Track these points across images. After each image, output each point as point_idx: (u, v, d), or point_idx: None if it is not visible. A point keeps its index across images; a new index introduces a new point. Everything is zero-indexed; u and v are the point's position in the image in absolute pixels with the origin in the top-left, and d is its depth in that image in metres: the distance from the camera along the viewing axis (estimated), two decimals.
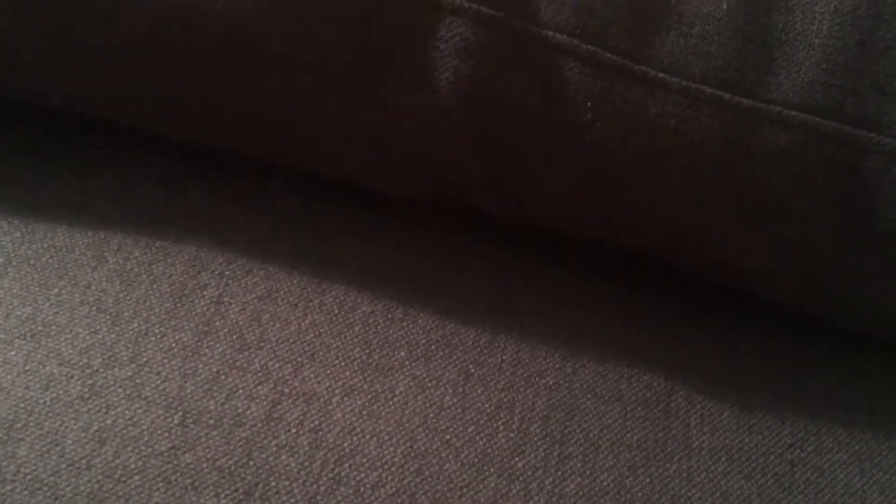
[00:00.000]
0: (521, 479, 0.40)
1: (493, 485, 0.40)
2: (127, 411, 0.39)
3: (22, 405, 0.39)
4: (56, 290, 0.42)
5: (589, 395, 0.43)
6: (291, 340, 0.42)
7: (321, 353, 0.42)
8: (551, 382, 0.43)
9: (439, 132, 0.42)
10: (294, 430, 0.40)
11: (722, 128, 0.41)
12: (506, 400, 0.42)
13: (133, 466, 0.37)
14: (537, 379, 0.43)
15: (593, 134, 0.41)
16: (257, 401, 0.40)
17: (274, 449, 0.39)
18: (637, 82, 0.41)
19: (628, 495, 0.40)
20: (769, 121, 0.41)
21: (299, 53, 0.41)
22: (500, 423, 0.41)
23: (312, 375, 0.41)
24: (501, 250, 0.48)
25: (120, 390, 0.39)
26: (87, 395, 0.39)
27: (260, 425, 0.39)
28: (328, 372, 0.42)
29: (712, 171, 0.41)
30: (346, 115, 0.42)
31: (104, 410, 0.39)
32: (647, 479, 0.41)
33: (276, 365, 0.41)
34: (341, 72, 0.41)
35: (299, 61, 0.41)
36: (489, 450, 0.41)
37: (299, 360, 0.42)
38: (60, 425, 0.38)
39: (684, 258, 0.46)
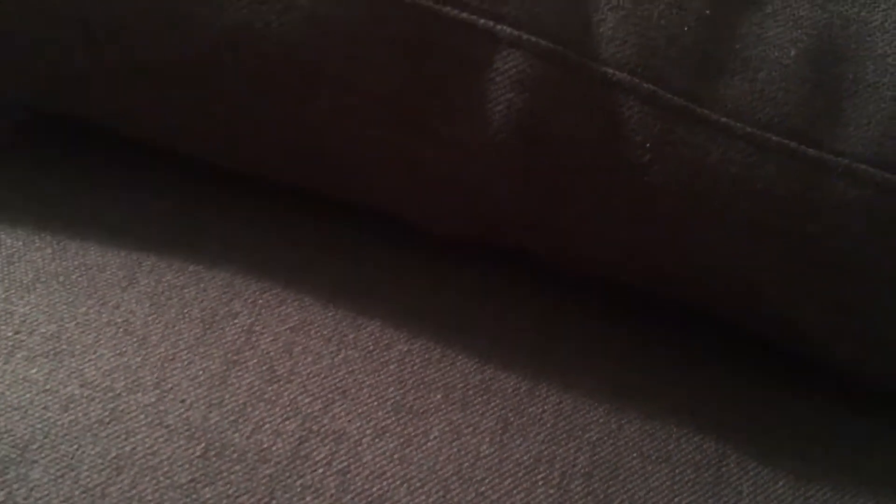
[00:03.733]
0: None
1: None
2: (147, 439, 0.37)
3: (39, 426, 0.37)
4: (84, 308, 0.41)
5: (635, 454, 0.40)
6: (323, 375, 0.40)
7: (353, 391, 0.40)
8: (595, 437, 0.41)
9: (490, 167, 0.41)
10: (321, 471, 0.37)
11: (787, 178, 0.39)
12: (546, 453, 0.40)
13: (150, 498, 0.35)
14: (580, 433, 0.41)
15: (651, 177, 0.39)
16: (284, 437, 0.38)
17: (299, 489, 0.36)
18: (699, 125, 0.39)
19: None
20: (837, 174, 0.39)
21: (351, 77, 0.40)
22: (539, 476, 0.39)
23: (343, 413, 0.39)
24: (544, 296, 0.46)
25: (142, 416, 0.37)
26: (107, 420, 0.37)
27: (285, 463, 0.37)
28: (360, 411, 0.39)
29: (775, 224, 0.39)
30: (394, 144, 0.41)
31: (124, 437, 0.37)
32: None
33: (306, 400, 0.39)
34: (392, 98, 0.40)
35: (351, 85, 0.40)
36: None
37: (330, 396, 0.40)
38: (77, 449, 0.36)
39: (740, 315, 0.44)
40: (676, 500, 0.39)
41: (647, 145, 0.39)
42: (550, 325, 0.45)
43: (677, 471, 0.40)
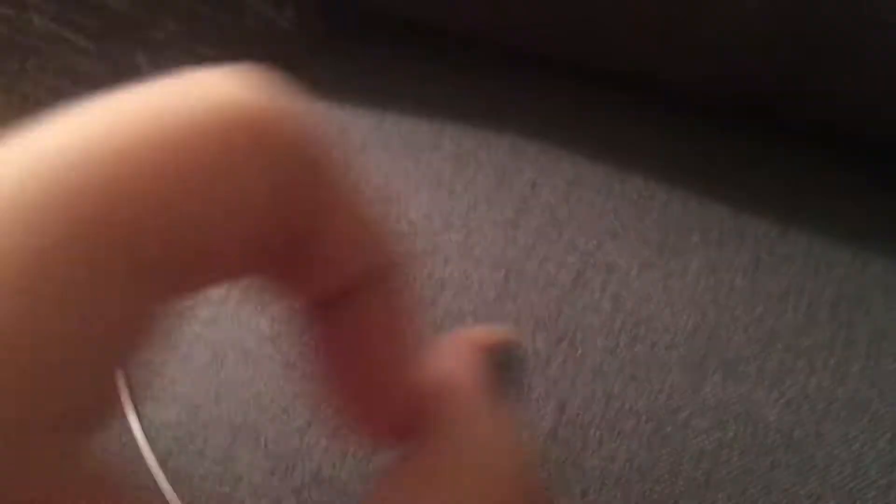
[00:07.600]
0: (806, 356, 0.43)
1: (778, 357, 0.43)
2: (461, 264, 0.47)
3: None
4: (402, 166, 0.51)
5: (878, 289, 0.45)
6: (595, 220, 0.48)
7: (621, 233, 0.48)
8: (841, 274, 0.46)
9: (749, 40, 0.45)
10: (597, 295, 0.46)
11: None
12: (795, 285, 0.45)
13: (466, 308, 0.45)
14: (827, 270, 0.46)
15: None
16: (566, 267, 0.47)
17: (580, 307, 0.45)
18: None
19: None
20: None
21: None
22: (788, 304, 0.45)
23: (614, 250, 0.47)
24: (792, 155, 0.50)
25: (454, 249, 0.48)
26: (430, 251, 0.48)
27: (569, 287, 0.46)
28: (628, 249, 0.47)
29: None
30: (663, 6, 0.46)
31: (443, 264, 0.47)
32: None
33: (582, 239, 0.47)
34: None
35: None
36: (776, 327, 0.44)
37: (602, 236, 0.48)
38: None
39: None
40: None
41: None
42: (797, 181, 0.49)
43: None
